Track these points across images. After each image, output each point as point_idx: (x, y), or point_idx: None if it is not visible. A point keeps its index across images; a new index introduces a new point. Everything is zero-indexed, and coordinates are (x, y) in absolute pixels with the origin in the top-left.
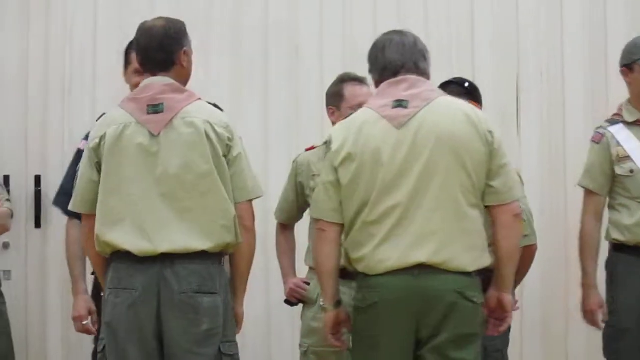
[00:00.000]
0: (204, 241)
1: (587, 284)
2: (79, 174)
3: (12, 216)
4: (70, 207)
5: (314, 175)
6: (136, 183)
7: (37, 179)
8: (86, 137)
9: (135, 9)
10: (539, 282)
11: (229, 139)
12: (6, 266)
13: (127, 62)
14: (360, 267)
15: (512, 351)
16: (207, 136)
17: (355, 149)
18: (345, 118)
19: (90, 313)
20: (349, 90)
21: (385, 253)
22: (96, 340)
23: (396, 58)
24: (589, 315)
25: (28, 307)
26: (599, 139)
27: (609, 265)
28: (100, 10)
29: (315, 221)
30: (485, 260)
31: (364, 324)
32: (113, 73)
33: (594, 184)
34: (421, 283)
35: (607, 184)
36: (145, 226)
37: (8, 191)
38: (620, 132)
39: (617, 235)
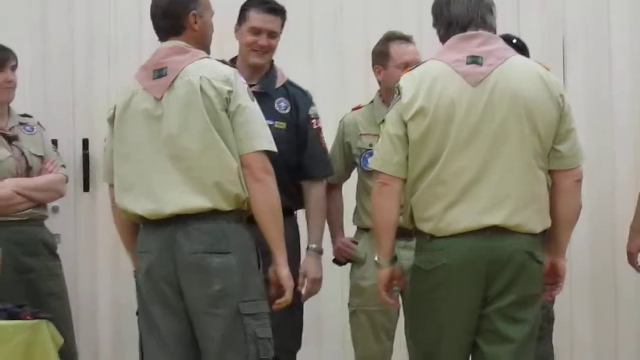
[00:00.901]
0: (211, 199)
1: (633, 227)
2: (105, 145)
3: (66, 182)
4: (102, 179)
5: (361, 135)
6: (144, 148)
7: (85, 143)
8: None
9: None
10: (588, 236)
11: (229, 92)
12: (56, 230)
13: (243, 19)
14: (426, 228)
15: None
16: (203, 92)
17: (429, 104)
18: (392, 77)
19: None
20: (396, 49)
21: (457, 215)
22: None
23: (463, 13)
24: (629, 257)
25: (78, 270)
26: None
27: None
28: None
29: (376, 174)
30: (549, 222)
31: (427, 286)
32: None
33: None
34: (493, 244)
35: None
36: (154, 189)
37: None
38: None
39: None
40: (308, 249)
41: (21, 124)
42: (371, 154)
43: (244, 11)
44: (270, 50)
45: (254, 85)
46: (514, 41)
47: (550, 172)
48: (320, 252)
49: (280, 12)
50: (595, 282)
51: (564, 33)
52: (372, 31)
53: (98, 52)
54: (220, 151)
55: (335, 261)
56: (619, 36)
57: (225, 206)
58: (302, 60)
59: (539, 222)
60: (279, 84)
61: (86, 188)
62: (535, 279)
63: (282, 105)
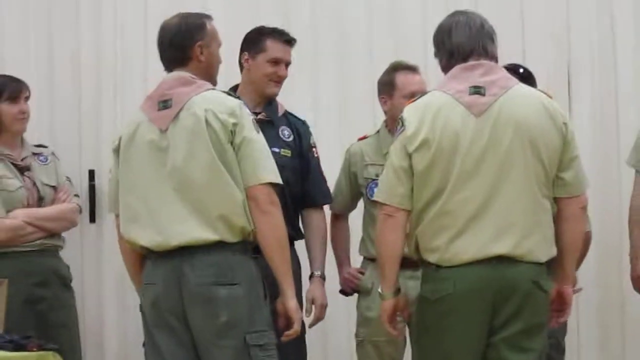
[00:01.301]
0: (216, 231)
1: (634, 256)
2: (111, 175)
3: (80, 211)
4: (108, 210)
5: (366, 164)
6: (149, 179)
7: (91, 174)
8: None
9: (187, 3)
10: (594, 269)
11: (234, 124)
12: None
13: (259, 49)
14: (432, 258)
15: (569, 338)
16: (208, 124)
17: (433, 135)
18: (398, 107)
19: None
20: (402, 79)
21: (463, 245)
22: None
23: (464, 42)
24: (636, 281)
25: (84, 301)
26: None
27: None
28: (150, 5)
29: (380, 206)
30: (554, 251)
31: (433, 316)
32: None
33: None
34: (499, 273)
35: None
36: (159, 221)
37: None
38: None
39: None
40: (312, 275)
41: (34, 154)
42: (377, 184)
43: (258, 41)
44: (284, 80)
45: (259, 113)
46: (521, 71)
47: (555, 200)
48: (324, 277)
49: (294, 42)
50: (603, 310)
51: (569, 60)
52: (377, 59)
53: (104, 82)
54: (225, 183)
55: (342, 291)
56: (625, 63)
57: (230, 238)
58: (306, 89)
59: (544, 250)
60: (280, 112)
61: (92, 219)
62: (541, 308)
63: (285, 133)
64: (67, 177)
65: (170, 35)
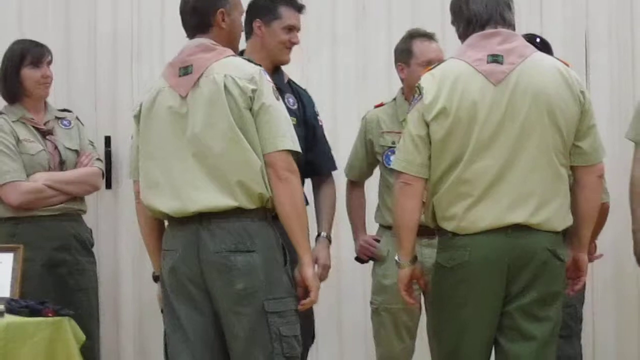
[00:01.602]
0: (234, 197)
1: (636, 230)
2: (132, 141)
3: (103, 176)
4: (128, 175)
5: (383, 132)
6: (169, 146)
7: (107, 140)
8: None
9: None
10: (611, 236)
11: (253, 91)
12: None
13: (273, 16)
14: (449, 226)
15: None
16: (227, 90)
17: (450, 104)
18: (415, 74)
19: None
20: (419, 46)
21: (480, 213)
22: None
23: (481, 10)
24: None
25: (100, 266)
26: None
27: None
28: None
29: (397, 174)
30: (570, 219)
31: (449, 284)
32: (181, 32)
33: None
34: (514, 242)
35: None
36: (178, 187)
37: None
38: None
39: None
40: (318, 235)
41: (57, 118)
42: (393, 152)
43: (271, 7)
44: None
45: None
46: (537, 40)
47: (572, 168)
48: (329, 239)
49: (304, 9)
50: (617, 281)
51: (586, 30)
52: (395, 28)
53: (121, 49)
54: (243, 150)
55: (358, 259)
56: None
57: (248, 204)
58: (324, 57)
59: (560, 219)
60: (285, 80)
61: (108, 185)
62: (557, 277)
63: (290, 101)
64: (91, 141)
65: (193, 2)
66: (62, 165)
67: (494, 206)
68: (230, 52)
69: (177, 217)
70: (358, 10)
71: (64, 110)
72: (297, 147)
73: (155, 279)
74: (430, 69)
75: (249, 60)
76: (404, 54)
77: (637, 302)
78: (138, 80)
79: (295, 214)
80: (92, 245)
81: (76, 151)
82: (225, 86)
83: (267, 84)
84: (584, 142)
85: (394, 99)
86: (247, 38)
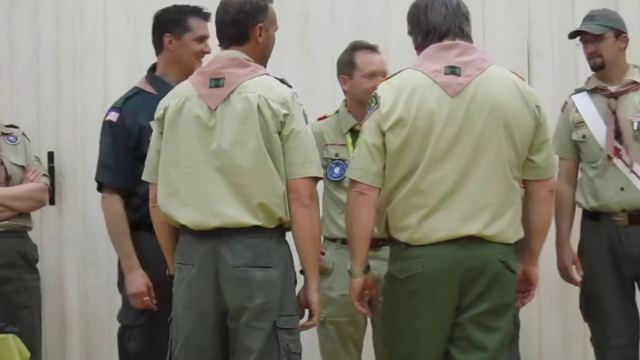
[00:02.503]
0: (256, 217)
1: (559, 242)
2: (151, 143)
3: (48, 191)
4: (143, 177)
5: (326, 144)
6: (193, 156)
7: (50, 156)
8: (113, 109)
9: None
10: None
11: (285, 116)
12: None
13: (184, 29)
14: (402, 237)
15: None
16: (259, 111)
17: (407, 114)
18: (358, 86)
19: (148, 288)
20: (361, 58)
21: (434, 224)
22: (120, 318)
23: (440, 21)
24: (563, 272)
25: (45, 282)
26: (563, 106)
27: (580, 230)
28: None
29: (352, 183)
30: (522, 232)
31: (402, 295)
32: (124, 46)
33: (561, 149)
34: (468, 253)
35: (573, 149)
36: (199, 200)
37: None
38: (581, 100)
39: (580, 199)
40: None
41: (4, 133)
42: (337, 164)
43: (180, 21)
44: None
45: None
46: None
47: (525, 182)
48: None
49: (211, 17)
50: (563, 286)
51: (528, 38)
52: (339, 40)
53: (63, 64)
54: (269, 173)
55: (302, 272)
56: None
57: (267, 224)
58: (267, 69)
59: (513, 232)
60: None
61: (52, 201)
62: (508, 288)
63: None
64: (37, 157)
65: (234, 13)
66: (7, 180)
67: (448, 218)
68: (264, 70)
69: (196, 230)
70: (300, 22)
71: (11, 126)
72: (321, 174)
73: (171, 277)
74: (387, 79)
75: (282, 82)
76: (346, 66)
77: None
78: (82, 96)
79: (313, 241)
80: (37, 261)
81: (22, 167)
82: (258, 107)
83: (298, 108)
84: (537, 157)
85: (337, 111)
86: (157, 53)
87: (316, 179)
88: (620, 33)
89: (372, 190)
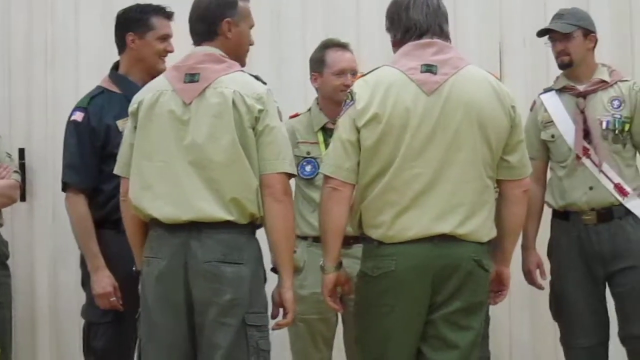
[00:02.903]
0: (228, 212)
1: (524, 246)
2: (124, 137)
3: (19, 188)
4: (115, 170)
5: (298, 142)
6: (166, 150)
7: (21, 152)
8: (78, 108)
9: None
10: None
11: (260, 111)
12: None
13: (147, 28)
14: (375, 234)
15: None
16: (234, 106)
17: (383, 110)
18: (328, 84)
19: (114, 288)
20: (331, 56)
21: (407, 222)
22: (86, 315)
23: (421, 20)
24: (527, 275)
25: (15, 280)
26: (531, 106)
27: (550, 230)
28: None
29: (326, 179)
30: (494, 231)
31: (374, 292)
32: (96, 42)
33: (530, 149)
34: (441, 251)
35: (542, 148)
36: (172, 193)
37: None
38: (549, 99)
39: (549, 199)
40: None
41: None
42: (309, 162)
43: (143, 20)
44: None
45: None
46: None
47: (498, 182)
48: None
49: (173, 16)
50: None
51: (500, 40)
52: (310, 38)
53: (35, 59)
54: (243, 168)
55: (274, 269)
56: None
57: (240, 220)
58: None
59: (486, 231)
60: None
61: (22, 198)
62: (481, 287)
63: None
64: (8, 154)
65: (201, 9)
66: None
67: (421, 216)
68: (239, 67)
69: (167, 224)
70: (273, 20)
71: None
72: (294, 170)
73: (137, 273)
74: (363, 76)
75: (257, 79)
76: (317, 64)
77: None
78: (53, 92)
79: (286, 237)
80: (7, 258)
81: None
82: (233, 102)
83: (273, 104)
84: (512, 157)
85: (309, 110)
86: (119, 52)
87: (289, 176)
88: (589, 32)
89: (345, 187)
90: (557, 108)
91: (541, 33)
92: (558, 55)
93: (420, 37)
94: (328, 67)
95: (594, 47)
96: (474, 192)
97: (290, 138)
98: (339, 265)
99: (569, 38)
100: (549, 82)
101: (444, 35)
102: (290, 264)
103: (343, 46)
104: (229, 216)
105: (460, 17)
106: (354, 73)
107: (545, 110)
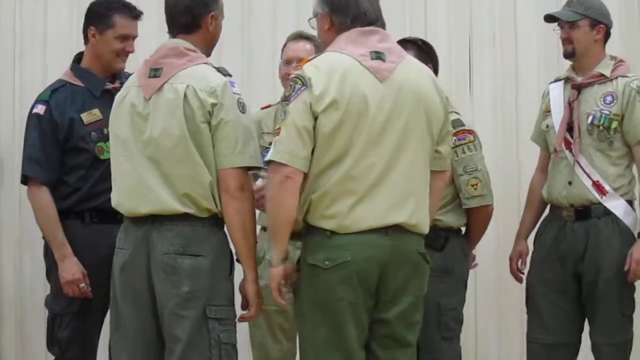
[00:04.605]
0: (185, 205)
1: (517, 233)
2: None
3: None
4: None
5: (263, 133)
6: (128, 145)
7: None
8: (40, 101)
9: None
10: (494, 240)
11: (213, 105)
12: None
13: (107, 26)
14: (328, 225)
15: (466, 310)
16: (186, 101)
17: (341, 97)
18: (280, 74)
19: (83, 275)
20: (286, 46)
21: (363, 212)
22: (50, 306)
23: (370, 9)
24: (510, 264)
25: None
26: (542, 93)
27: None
28: None
29: (277, 167)
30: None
31: (325, 285)
32: (64, 36)
33: (537, 137)
34: (393, 243)
35: (544, 138)
36: (132, 187)
37: None
38: (555, 89)
39: (543, 191)
40: None
41: None
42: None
43: (105, 16)
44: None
45: (114, 83)
46: (419, 43)
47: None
48: None
49: (141, 16)
50: (500, 284)
51: (470, 35)
52: (280, 30)
53: (3, 49)
54: (193, 164)
55: (238, 260)
56: (526, 38)
57: (199, 213)
58: (209, 59)
59: (427, 223)
60: None
61: None
62: (425, 280)
63: None
64: None
65: (187, 1)
66: None
67: (377, 205)
68: (203, 59)
69: (129, 217)
70: (244, 12)
71: None
72: (255, 162)
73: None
74: (309, 60)
75: (219, 71)
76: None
77: (519, 302)
78: (20, 81)
79: (242, 233)
80: None
81: None
82: (185, 96)
83: (230, 97)
84: (443, 147)
85: (279, 102)
86: (84, 44)
87: (252, 168)
88: (597, 23)
89: (299, 175)
90: (556, 98)
91: (548, 19)
92: (562, 43)
93: (367, 25)
94: (282, 57)
95: (604, 38)
96: (421, 182)
97: (256, 128)
98: (286, 257)
99: (574, 27)
100: (517, 81)
101: (384, 27)
102: (251, 258)
103: (298, 36)
104: (187, 209)
105: (430, 15)
106: (300, 62)
107: (549, 100)
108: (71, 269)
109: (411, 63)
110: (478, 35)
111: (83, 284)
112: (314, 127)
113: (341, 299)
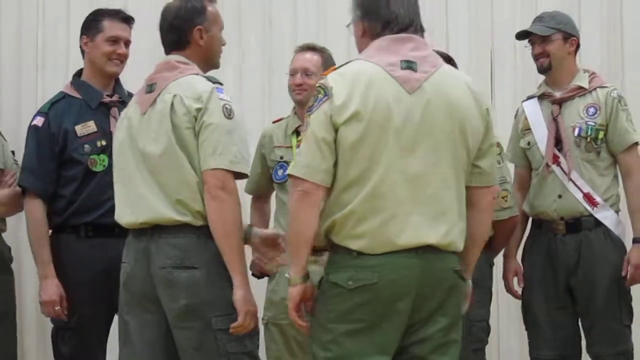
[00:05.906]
0: (179, 213)
1: (505, 254)
2: None
3: None
4: None
5: (274, 146)
6: (125, 158)
7: (12, 155)
8: (39, 113)
9: None
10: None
11: (197, 110)
12: None
13: (97, 30)
14: (356, 245)
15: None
16: (172, 109)
17: (365, 108)
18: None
19: (61, 298)
20: (293, 58)
21: (394, 231)
22: (55, 319)
23: (403, 13)
24: (505, 283)
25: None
26: (515, 113)
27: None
28: None
29: (297, 181)
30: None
31: (348, 306)
32: None
33: (514, 156)
34: (425, 264)
35: (523, 155)
36: (130, 199)
37: None
38: (530, 106)
39: (525, 207)
40: None
41: None
42: (281, 166)
43: (95, 22)
44: (125, 58)
45: (112, 95)
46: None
47: (467, 189)
48: None
49: (132, 21)
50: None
51: (492, 49)
52: (301, 43)
53: (25, 62)
54: (180, 168)
55: (254, 274)
56: None
57: (194, 221)
58: (230, 71)
59: (462, 240)
60: (127, 92)
61: None
62: (462, 298)
63: None
64: (15, 160)
65: (170, 19)
66: None
67: (408, 224)
68: (195, 70)
69: (131, 229)
70: (265, 23)
71: None
72: (238, 168)
73: None
74: (336, 69)
75: (208, 79)
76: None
77: None
78: (43, 94)
79: (224, 234)
80: (12, 261)
81: (1, 170)
82: (172, 105)
83: (216, 102)
84: (484, 162)
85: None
86: (83, 57)
87: (235, 174)
88: (569, 36)
89: (319, 190)
90: (534, 115)
91: (520, 35)
92: (537, 58)
93: (400, 31)
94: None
95: (575, 51)
96: (455, 199)
97: (267, 142)
98: (306, 276)
99: (548, 41)
100: None
101: (422, 32)
102: (236, 262)
103: (305, 47)
104: (181, 217)
105: (452, 26)
106: (308, 73)
107: (526, 118)
108: (49, 290)
109: (447, 73)
110: (499, 47)
111: (58, 307)
112: (335, 140)
113: (361, 320)
